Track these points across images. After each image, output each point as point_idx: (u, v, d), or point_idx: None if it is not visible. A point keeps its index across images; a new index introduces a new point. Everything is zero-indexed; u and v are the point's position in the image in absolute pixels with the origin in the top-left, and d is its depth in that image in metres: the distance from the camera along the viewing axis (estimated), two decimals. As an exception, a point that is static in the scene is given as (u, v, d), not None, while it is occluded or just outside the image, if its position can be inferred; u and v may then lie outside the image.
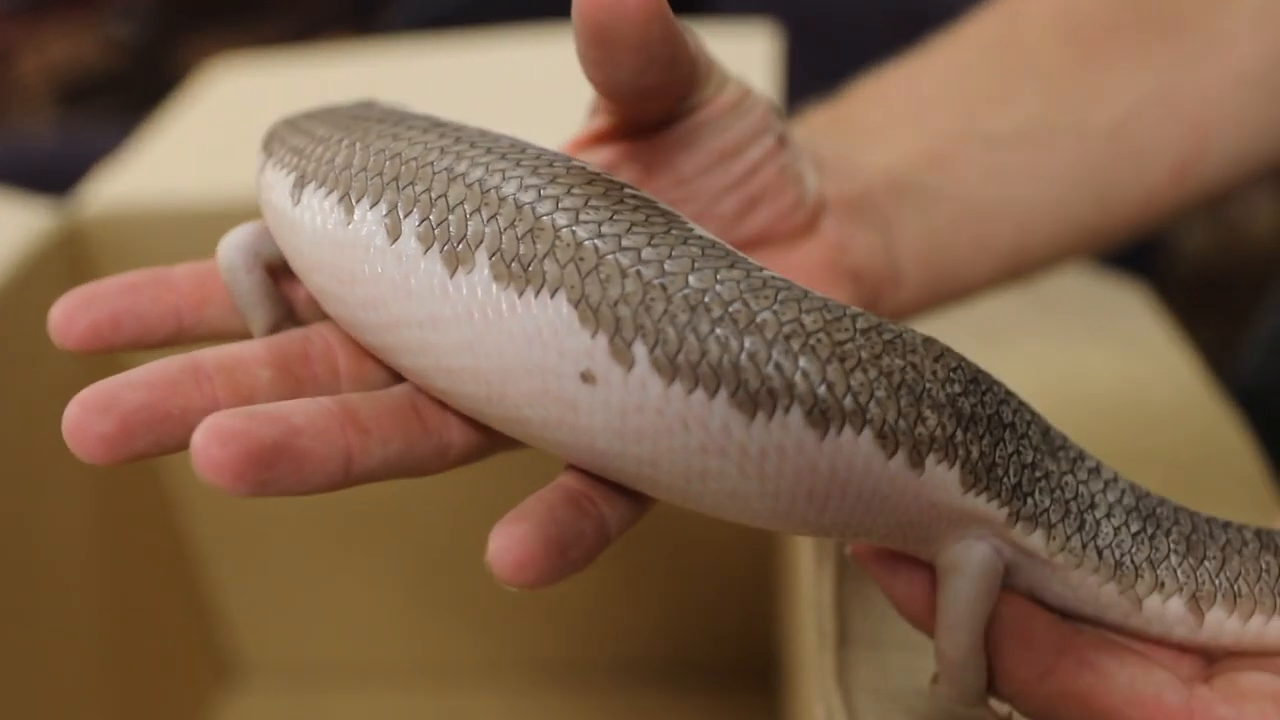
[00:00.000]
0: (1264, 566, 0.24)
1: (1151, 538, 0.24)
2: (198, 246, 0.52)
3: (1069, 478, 0.24)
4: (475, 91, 0.58)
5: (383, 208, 0.25)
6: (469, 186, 0.24)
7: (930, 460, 0.22)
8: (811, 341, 0.22)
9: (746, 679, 0.61)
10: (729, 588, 0.59)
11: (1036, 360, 0.44)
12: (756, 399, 0.22)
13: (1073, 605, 0.25)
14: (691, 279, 0.22)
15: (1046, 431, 0.24)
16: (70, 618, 0.52)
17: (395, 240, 0.24)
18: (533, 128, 0.33)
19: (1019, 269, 0.35)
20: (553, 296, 0.22)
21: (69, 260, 0.52)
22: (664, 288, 0.22)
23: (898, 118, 0.35)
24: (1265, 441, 0.41)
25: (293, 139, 0.28)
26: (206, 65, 0.64)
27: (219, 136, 0.58)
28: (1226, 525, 0.25)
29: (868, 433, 0.22)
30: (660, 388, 0.22)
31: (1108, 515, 0.24)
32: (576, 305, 0.22)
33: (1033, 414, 0.24)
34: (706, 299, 0.22)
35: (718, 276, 0.22)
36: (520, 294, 0.23)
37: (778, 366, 0.22)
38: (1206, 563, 0.24)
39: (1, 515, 0.48)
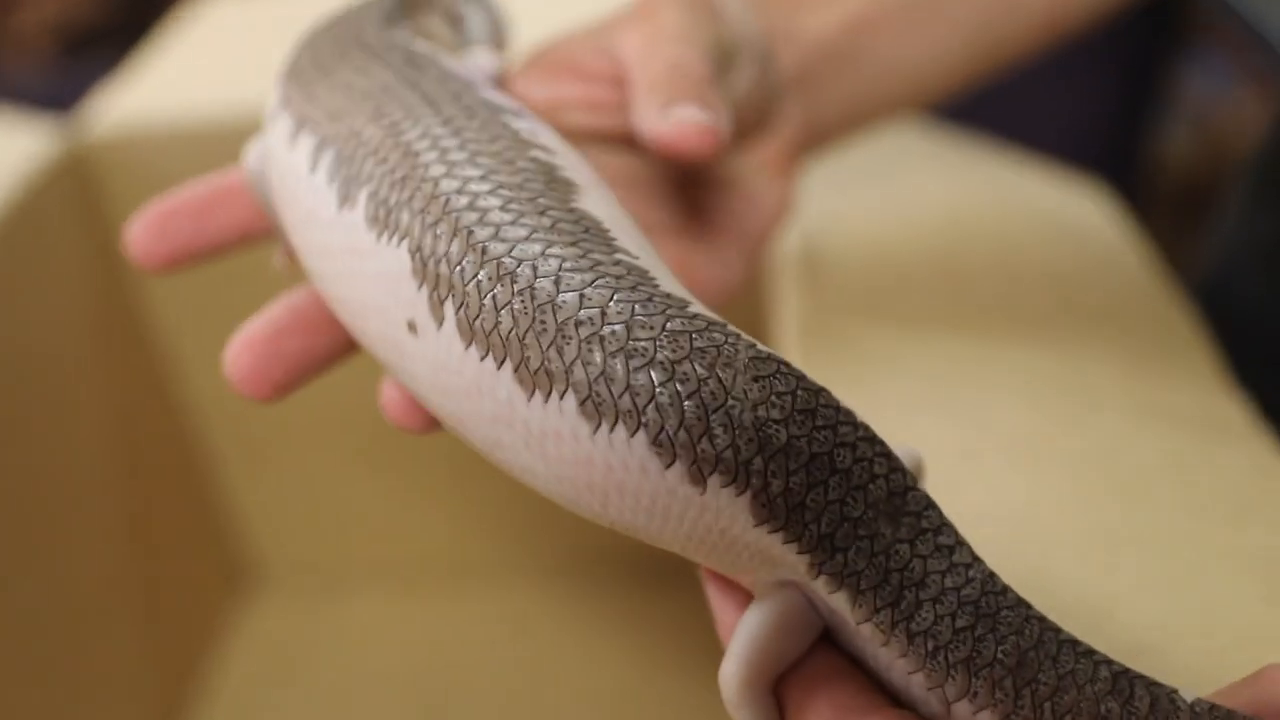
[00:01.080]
0: (1103, 712, 0.20)
1: (979, 639, 0.21)
2: (202, 162, 0.54)
3: (903, 546, 0.21)
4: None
5: (314, 140, 0.26)
6: (380, 129, 0.25)
7: (714, 481, 0.21)
8: (604, 332, 0.21)
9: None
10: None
11: (986, 243, 0.46)
12: (535, 378, 0.21)
13: (891, 688, 0.22)
14: (517, 249, 0.22)
15: (901, 494, 0.21)
16: (87, 530, 0.55)
17: (313, 171, 0.26)
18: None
19: (906, 110, 0.38)
20: (399, 244, 0.23)
21: (74, 180, 0.54)
22: (483, 252, 0.22)
23: None
24: (1221, 338, 0.43)
25: (300, 58, 0.30)
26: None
27: (215, 58, 0.60)
28: (1087, 654, 0.21)
29: (641, 435, 0.21)
30: (460, 349, 0.22)
31: (936, 599, 0.21)
32: (414, 255, 0.23)
33: (890, 473, 0.21)
34: (518, 270, 0.22)
35: (547, 252, 0.22)
36: (378, 236, 0.24)
37: (559, 350, 0.21)
38: (1035, 686, 0.20)
39: (17, 432, 0.50)
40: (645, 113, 0.28)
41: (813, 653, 0.22)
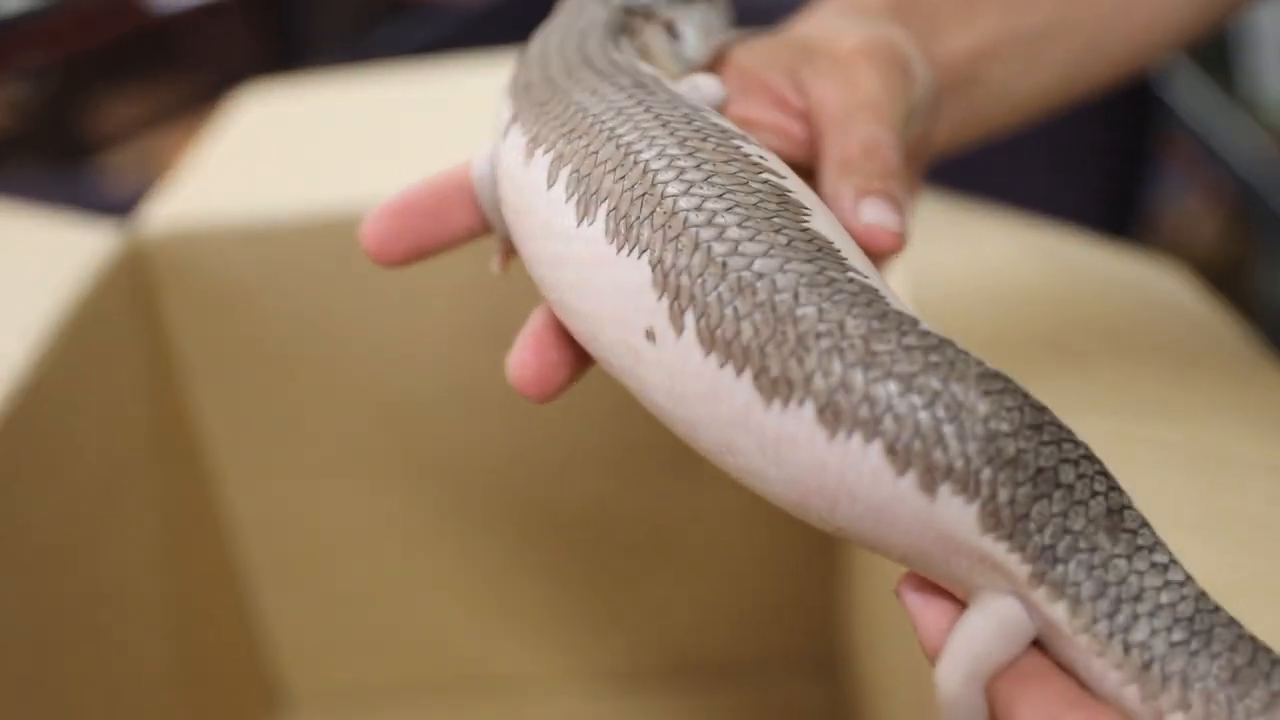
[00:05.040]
0: None
1: (1194, 653, 0.21)
2: (258, 263, 0.53)
3: (1121, 561, 0.22)
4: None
5: (551, 156, 0.27)
6: (618, 148, 0.26)
7: (944, 489, 0.22)
8: (843, 344, 0.22)
9: (804, 671, 0.63)
10: (781, 584, 0.61)
11: (1091, 320, 0.47)
12: (775, 386, 0.23)
13: (1100, 699, 0.22)
14: (756, 264, 0.23)
15: (1119, 511, 0.22)
16: (128, 640, 0.52)
17: (550, 186, 0.27)
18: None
19: (997, 133, 0.39)
20: (639, 256, 0.25)
21: (133, 280, 0.52)
22: (724, 266, 0.23)
23: (955, 9, 0.37)
24: None
25: (531, 70, 0.31)
26: (238, 97, 0.65)
27: (260, 152, 0.59)
28: None
29: (878, 444, 0.22)
30: (699, 357, 0.23)
31: (1152, 614, 0.21)
32: (654, 268, 0.24)
33: (1109, 487, 0.22)
34: (758, 284, 0.23)
35: (784, 267, 0.23)
36: (618, 250, 0.25)
37: (799, 360, 0.22)
38: (1249, 701, 0.21)
39: (69, 537, 0.47)
40: (838, 192, 0.30)
41: (1021, 656, 0.23)
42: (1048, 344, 0.45)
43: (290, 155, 0.58)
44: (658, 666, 0.63)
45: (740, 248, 0.24)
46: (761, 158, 0.26)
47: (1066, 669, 0.22)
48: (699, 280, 0.24)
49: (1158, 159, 1.07)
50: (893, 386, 0.22)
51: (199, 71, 1.85)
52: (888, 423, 0.22)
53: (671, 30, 0.33)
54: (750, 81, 0.32)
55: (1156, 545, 0.22)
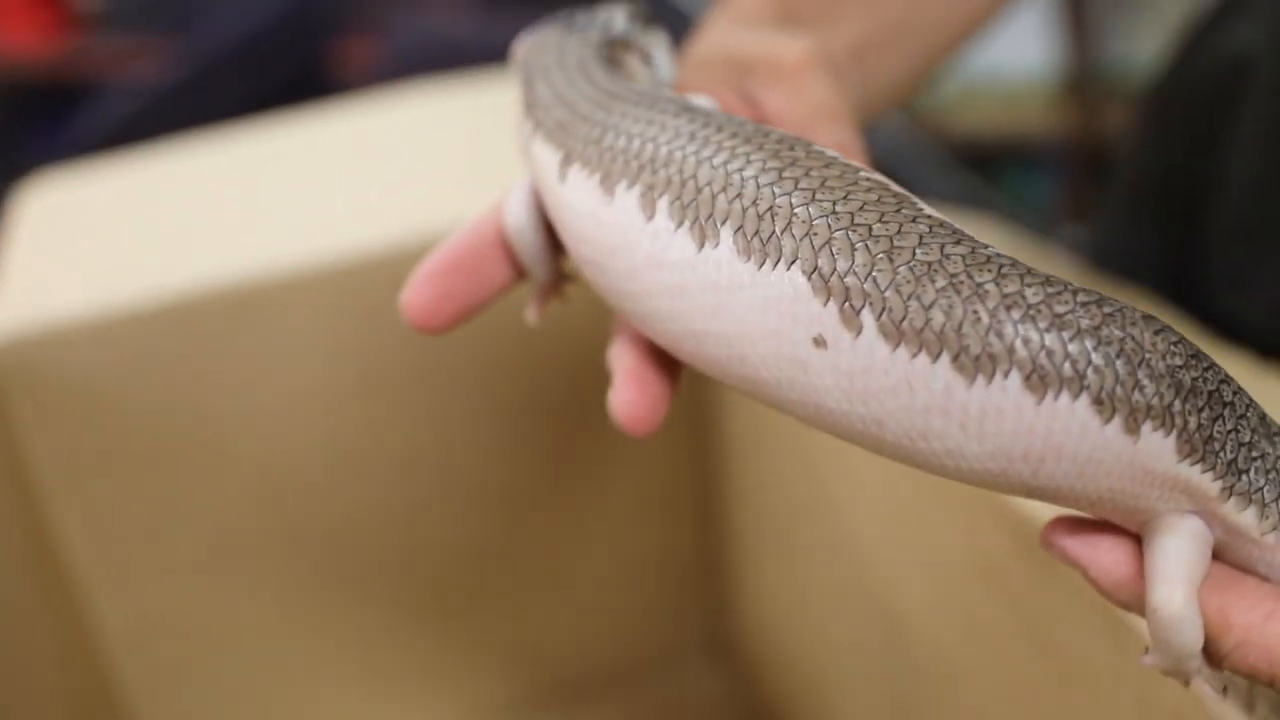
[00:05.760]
0: None
1: None
2: (100, 356, 0.50)
3: None
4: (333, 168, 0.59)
5: (639, 189, 0.28)
6: (715, 169, 0.27)
7: (1146, 428, 0.23)
8: (1032, 312, 0.23)
9: (699, 662, 0.65)
10: (663, 584, 0.63)
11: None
12: (978, 363, 0.23)
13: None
14: (918, 252, 0.24)
15: (1264, 417, 0.25)
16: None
17: (651, 218, 0.27)
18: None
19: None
20: (789, 268, 0.25)
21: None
22: (890, 259, 0.24)
23: (822, 11, 0.40)
24: None
25: (557, 111, 0.31)
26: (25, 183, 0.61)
27: (72, 250, 0.56)
28: None
29: (1084, 398, 0.23)
30: (886, 351, 0.24)
31: None
32: (810, 276, 0.25)
33: (1251, 399, 0.25)
34: (932, 270, 0.24)
35: (944, 251, 0.24)
36: (760, 266, 0.25)
37: (998, 334, 0.23)
38: None
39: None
40: None
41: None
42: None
43: (105, 243, 0.56)
44: (561, 687, 0.63)
45: (896, 241, 0.24)
46: (837, 157, 0.27)
47: (1245, 569, 0.25)
48: (870, 278, 0.24)
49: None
50: (1088, 342, 0.23)
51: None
52: (1091, 376, 0.23)
53: (645, 57, 0.35)
54: (701, 95, 0.33)
55: None
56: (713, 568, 0.64)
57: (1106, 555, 0.25)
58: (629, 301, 0.28)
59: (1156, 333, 0.24)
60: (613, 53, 0.34)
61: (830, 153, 0.27)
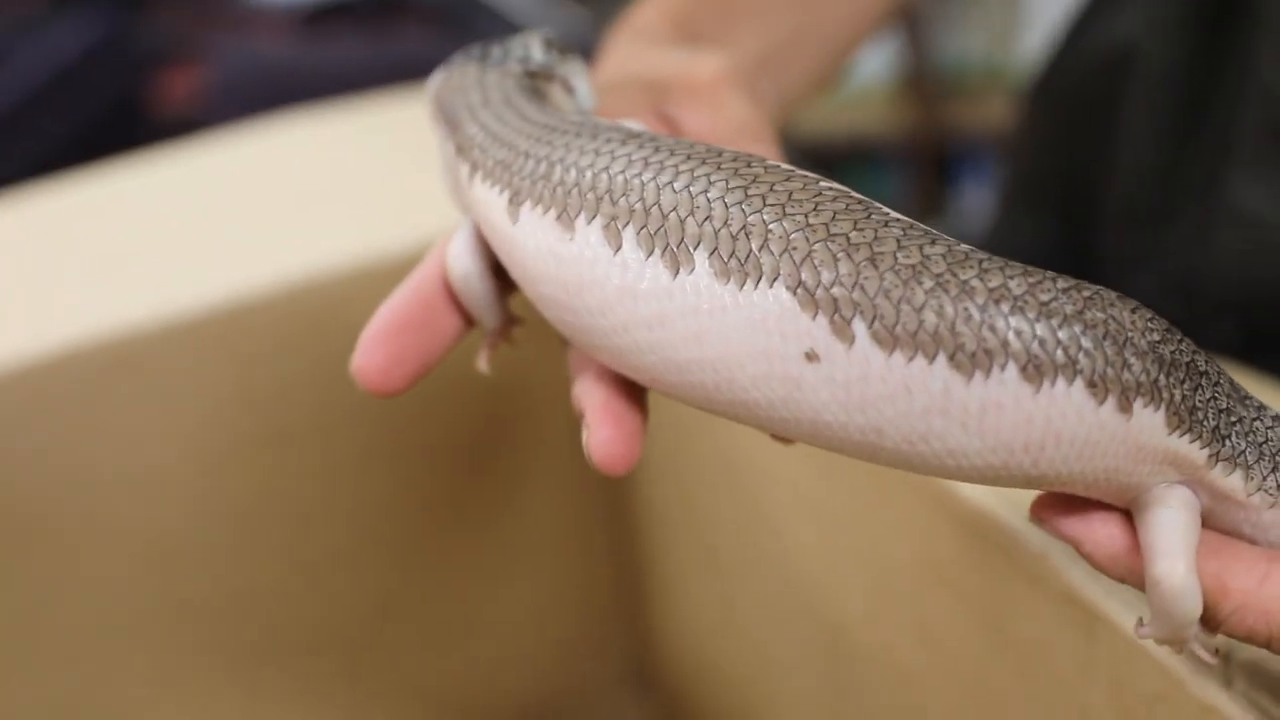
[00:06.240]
0: None
1: None
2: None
3: (1258, 423, 0.26)
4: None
5: (600, 221, 0.27)
6: (678, 193, 0.26)
7: (1138, 404, 0.24)
8: (1020, 304, 0.24)
9: (624, 694, 0.63)
10: (586, 617, 0.62)
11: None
12: (974, 359, 0.23)
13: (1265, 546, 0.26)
14: (899, 256, 0.24)
15: (1233, 383, 0.26)
16: None
17: (618, 250, 0.26)
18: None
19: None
20: (771, 285, 0.25)
21: None
22: (874, 265, 0.24)
23: (717, 29, 0.41)
24: None
25: (495, 150, 0.30)
26: None
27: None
28: None
29: (1079, 382, 0.24)
30: (882, 358, 0.24)
31: None
32: (795, 291, 0.24)
33: (1219, 366, 0.26)
34: (917, 272, 0.24)
35: (924, 252, 0.24)
36: (741, 286, 0.25)
37: (991, 328, 0.23)
38: None
39: None
40: None
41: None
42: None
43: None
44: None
45: (875, 247, 0.24)
46: (794, 170, 0.27)
47: (1231, 533, 0.26)
48: (857, 287, 0.24)
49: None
50: (1076, 327, 0.23)
51: None
52: (1083, 360, 0.23)
53: (567, 86, 0.33)
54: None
55: (1263, 404, 0.26)
56: (633, 594, 0.62)
57: (1100, 529, 0.26)
58: (599, 337, 0.27)
59: (1133, 311, 0.24)
60: (534, 84, 0.33)
61: (785, 166, 0.27)
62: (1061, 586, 0.33)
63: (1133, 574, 0.26)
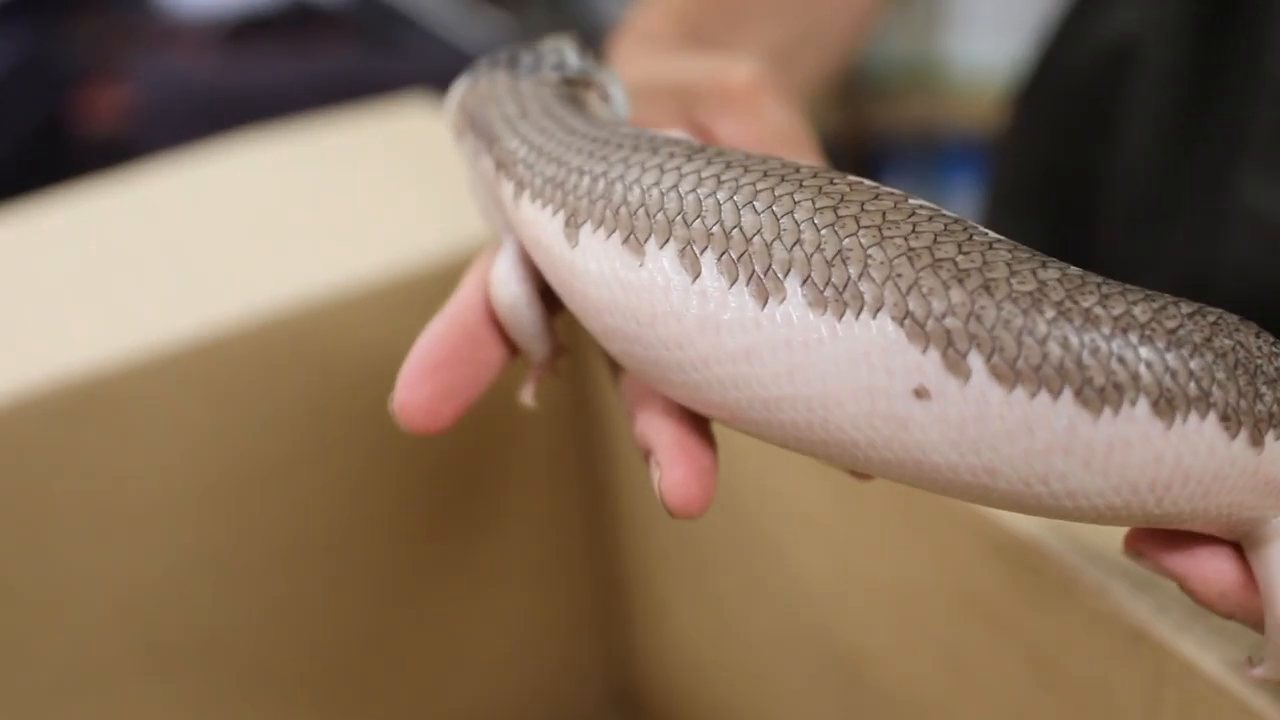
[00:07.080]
0: None
1: None
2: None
3: None
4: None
5: (674, 245, 0.24)
6: (759, 215, 0.24)
7: (1269, 436, 0.23)
8: (1148, 333, 0.22)
9: (609, 717, 0.61)
10: (568, 642, 0.59)
11: None
12: (1103, 394, 0.22)
13: None
14: (1014, 282, 0.22)
15: None
16: None
17: (696, 278, 0.24)
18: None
19: None
20: (874, 316, 0.23)
21: None
22: (990, 293, 0.22)
23: (725, 28, 0.39)
24: None
25: (542, 166, 0.27)
26: None
27: None
28: None
29: (1212, 416, 0.22)
30: (1001, 395, 0.22)
31: None
32: (902, 323, 0.22)
33: None
34: (1036, 301, 0.22)
35: (1038, 277, 0.22)
36: (839, 317, 0.23)
37: (1120, 360, 0.22)
38: None
39: None
40: None
41: None
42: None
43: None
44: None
45: (986, 273, 0.22)
46: (879, 185, 0.25)
47: None
48: (972, 318, 0.22)
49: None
50: (1207, 357, 0.22)
51: None
52: (1215, 393, 0.22)
53: (604, 94, 0.31)
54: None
55: None
56: (619, 618, 0.60)
57: (1208, 564, 0.24)
58: (674, 372, 0.25)
59: (1257, 335, 0.23)
60: (572, 92, 0.30)
61: (869, 183, 0.25)
62: (1127, 623, 0.31)
63: (1242, 609, 0.25)
